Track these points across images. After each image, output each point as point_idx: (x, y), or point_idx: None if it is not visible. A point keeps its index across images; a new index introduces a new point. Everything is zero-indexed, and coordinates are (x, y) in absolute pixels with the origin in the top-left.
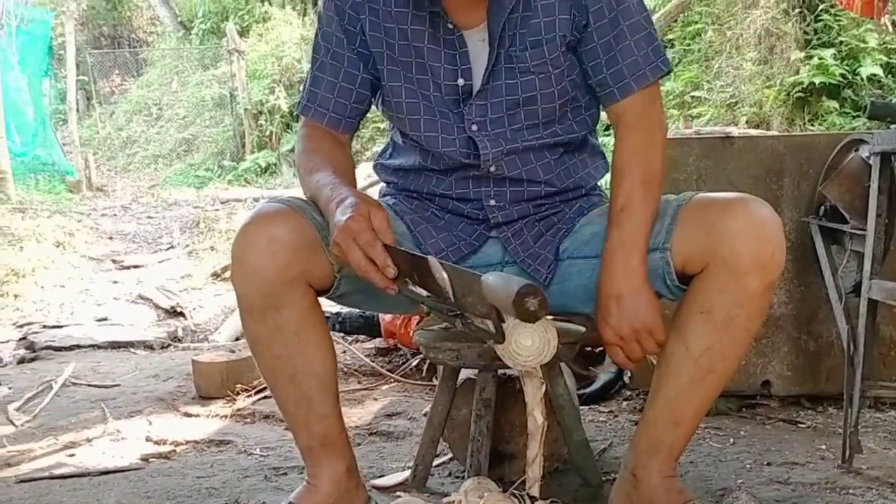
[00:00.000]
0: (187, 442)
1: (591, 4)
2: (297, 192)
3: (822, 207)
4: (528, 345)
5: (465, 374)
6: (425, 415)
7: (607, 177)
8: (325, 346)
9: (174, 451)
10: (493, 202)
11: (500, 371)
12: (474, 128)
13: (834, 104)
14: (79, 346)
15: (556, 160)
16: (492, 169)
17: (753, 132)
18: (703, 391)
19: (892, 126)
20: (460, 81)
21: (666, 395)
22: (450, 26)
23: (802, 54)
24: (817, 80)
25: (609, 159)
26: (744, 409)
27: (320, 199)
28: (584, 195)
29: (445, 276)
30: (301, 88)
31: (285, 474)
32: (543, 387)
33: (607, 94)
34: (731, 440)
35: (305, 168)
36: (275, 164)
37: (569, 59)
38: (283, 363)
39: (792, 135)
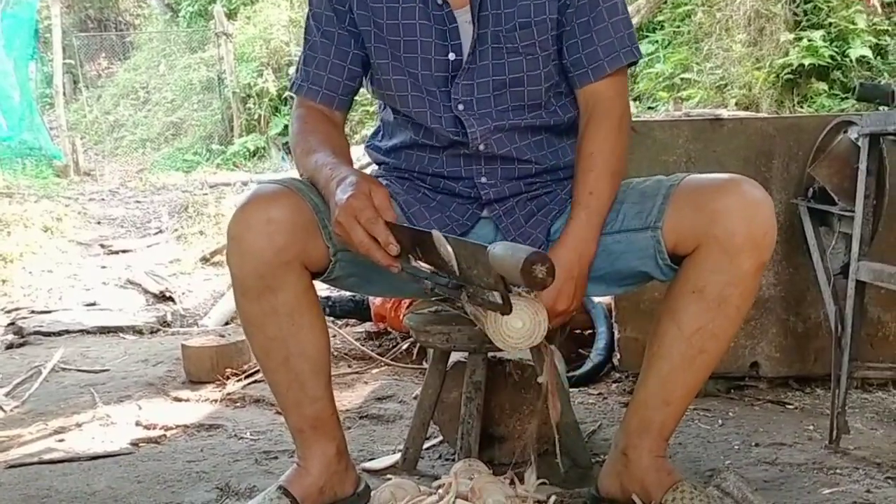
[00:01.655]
0: (177, 426)
1: None
2: (286, 175)
3: (811, 189)
4: (519, 327)
5: (455, 357)
6: (415, 398)
7: None
8: (319, 329)
9: (164, 435)
10: (484, 179)
11: (490, 354)
12: (461, 107)
13: (823, 86)
14: (67, 332)
15: (543, 140)
16: (481, 147)
17: (743, 114)
18: (694, 371)
19: (881, 108)
20: (451, 56)
21: (657, 375)
22: (440, 2)
23: (792, 36)
24: (807, 62)
25: None
26: (732, 391)
27: (319, 180)
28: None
29: (450, 249)
30: (293, 71)
31: (276, 458)
32: (550, 355)
33: (580, 74)
34: (720, 421)
35: (302, 149)
36: (263, 148)
37: (556, 42)
38: (276, 345)
39: (781, 117)
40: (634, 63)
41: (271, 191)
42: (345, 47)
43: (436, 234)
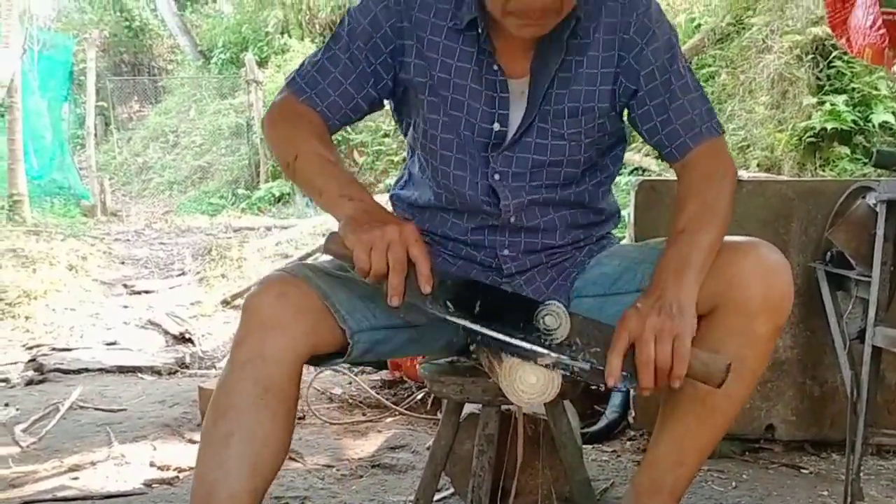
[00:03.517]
0: (191, 468)
1: (643, 67)
2: (309, 223)
3: (829, 253)
4: (533, 382)
5: (469, 408)
6: (428, 448)
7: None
8: (284, 429)
9: (177, 477)
10: (506, 252)
11: (504, 407)
12: (497, 177)
13: (845, 150)
14: (87, 370)
15: (571, 215)
16: (511, 220)
17: (763, 176)
18: (708, 432)
19: None
20: (496, 126)
21: (670, 435)
22: (495, 68)
23: (815, 100)
24: (829, 126)
25: (623, 214)
26: (747, 453)
27: (330, 189)
28: (595, 241)
29: (567, 320)
30: (300, 64)
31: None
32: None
33: (667, 154)
34: (734, 483)
35: (294, 138)
36: (288, 195)
37: (602, 128)
38: (231, 413)
39: (801, 180)
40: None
41: (280, 283)
42: (364, 82)
43: (554, 303)
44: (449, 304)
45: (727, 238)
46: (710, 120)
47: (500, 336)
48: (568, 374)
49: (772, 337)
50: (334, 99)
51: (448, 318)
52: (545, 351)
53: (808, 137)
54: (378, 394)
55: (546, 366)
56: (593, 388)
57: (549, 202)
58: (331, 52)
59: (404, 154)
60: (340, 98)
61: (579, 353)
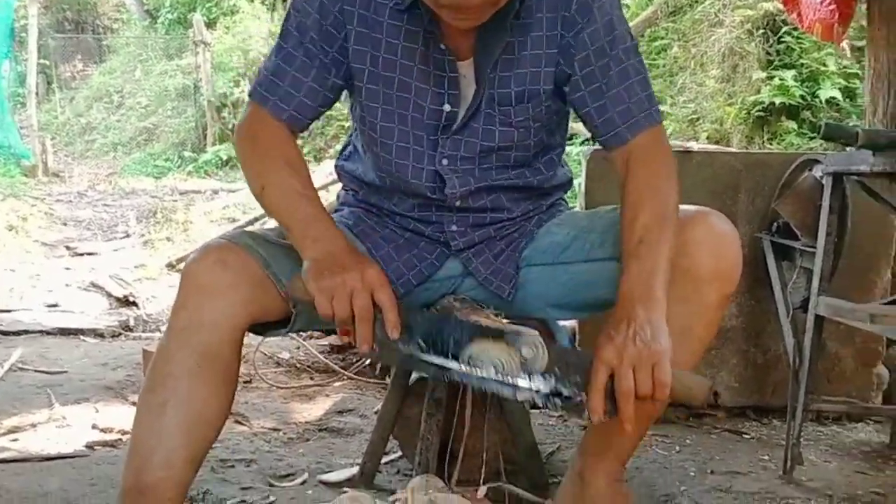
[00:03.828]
0: None
1: (579, 51)
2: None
3: (775, 224)
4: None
5: (417, 373)
6: (376, 412)
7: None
8: (225, 396)
9: (120, 439)
10: (454, 227)
11: None
12: (444, 161)
13: (793, 125)
14: (27, 332)
15: (522, 195)
16: (457, 203)
17: (712, 147)
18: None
19: (847, 148)
20: (446, 107)
21: None
22: (442, 47)
23: (764, 74)
24: (777, 101)
25: (573, 176)
26: (691, 418)
27: (295, 227)
28: (545, 210)
29: (542, 350)
30: (256, 70)
31: (232, 466)
32: None
33: (602, 141)
34: (677, 448)
35: (267, 179)
36: (235, 158)
37: (549, 110)
38: (169, 382)
39: (749, 152)
40: (655, 126)
41: (220, 250)
42: (325, 73)
43: (530, 333)
44: (421, 342)
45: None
46: (649, 107)
47: (479, 374)
48: (547, 407)
49: (721, 305)
50: (299, 99)
51: (422, 357)
52: (525, 385)
53: (756, 111)
54: (326, 358)
55: (524, 401)
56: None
57: (497, 186)
58: (284, 52)
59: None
60: (305, 97)
61: (559, 384)
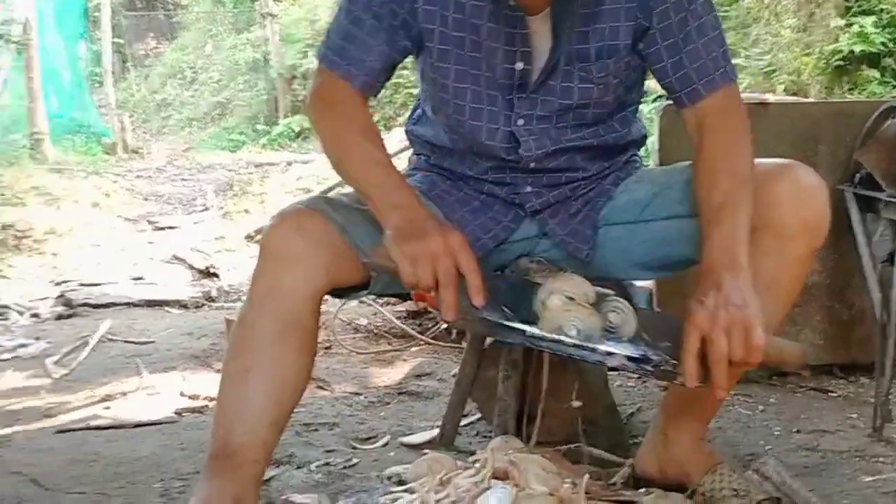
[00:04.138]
0: None
1: (657, 4)
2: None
3: (858, 175)
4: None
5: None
6: (454, 376)
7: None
8: (306, 358)
9: (207, 406)
10: (529, 189)
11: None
12: (520, 122)
13: (874, 73)
14: (115, 304)
15: (597, 154)
16: (531, 165)
17: (790, 99)
18: None
19: None
20: (519, 65)
21: None
22: (511, 2)
23: (843, 22)
24: (857, 49)
25: (647, 132)
26: (774, 377)
27: (377, 196)
28: (621, 167)
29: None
30: (326, 35)
31: (316, 430)
32: None
33: (676, 98)
34: (761, 407)
35: (345, 147)
36: (308, 129)
37: (629, 65)
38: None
39: (828, 102)
40: (731, 84)
41: (297, 216)
42: (395, 35)
43: (617, 298)
44: (506, 308)
45: (762, 161)
46: (724, 64)
47: (568, 341)
48: (638, 373)
49: (808, 259)
50: (370, 63)
51: (508, 324)
52: (615, 351)
53: (835, 61)
54: (403, 324)
55: (614, 368)
56: None
57: (572, 147)
58: (352, 15)
59: None
60: (377, 60)
61: (649, 350)
